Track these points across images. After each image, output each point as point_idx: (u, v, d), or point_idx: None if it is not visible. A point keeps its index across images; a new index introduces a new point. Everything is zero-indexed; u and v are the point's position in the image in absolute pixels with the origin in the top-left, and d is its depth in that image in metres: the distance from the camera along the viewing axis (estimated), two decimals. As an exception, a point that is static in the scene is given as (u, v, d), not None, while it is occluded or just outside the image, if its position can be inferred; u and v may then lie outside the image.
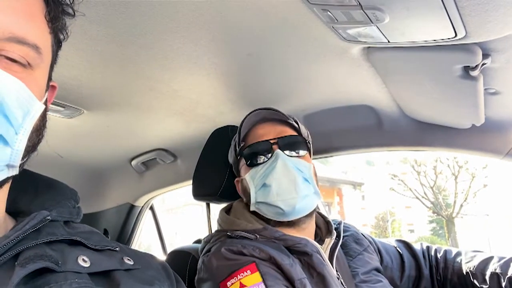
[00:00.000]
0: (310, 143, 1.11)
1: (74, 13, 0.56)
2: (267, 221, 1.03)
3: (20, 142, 0.46)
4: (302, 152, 1.04)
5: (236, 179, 1.13)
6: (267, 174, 0.99)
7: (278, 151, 1.00)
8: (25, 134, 0.46)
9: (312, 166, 1.05)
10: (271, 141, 1.03)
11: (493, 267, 1.06)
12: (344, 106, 1.32)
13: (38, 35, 0.48)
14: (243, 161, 1.07)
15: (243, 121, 1.08)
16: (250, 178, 1.03)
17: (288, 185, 0.97)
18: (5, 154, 0.44)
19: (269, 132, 1.05)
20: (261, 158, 1.02)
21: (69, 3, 0.55)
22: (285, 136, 1.04)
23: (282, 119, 1.08)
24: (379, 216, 24.23)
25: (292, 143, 1.04)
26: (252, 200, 1.01)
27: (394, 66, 0.97)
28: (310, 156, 1.10)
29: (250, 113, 1.07)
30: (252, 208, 1.03)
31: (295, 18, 0.79)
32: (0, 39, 0.44)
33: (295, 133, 1.07)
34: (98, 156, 1.75)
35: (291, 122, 1.07)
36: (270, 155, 1.01)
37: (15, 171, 0.48)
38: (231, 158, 1.15)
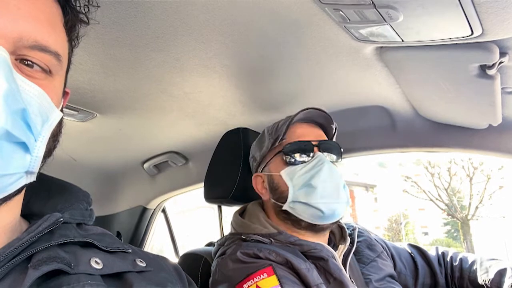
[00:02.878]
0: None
1: (89, 22, 0.58)
2: (284, 226, 1.02)
3: (39, 149, 0.47)
4: (338, 159, 1.05)
5: (256, 174, 1.10)
6: (312, 175, 0.97)
7: (322, 154, 1.00)
8: (43, 142, 0.48)
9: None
10: (313, 143, 1.03)
11: (509, 281, 1.04)
12: (357, 107, 1.31)
13: (58, 43, 0.50)
14: (279, 157, 1.04)
15: (291, 117, 1.06)
16: (287, 175, 1.00)
17: (333, 189, 0.97)
18: (25, 161, 0.46)
19: (308, 133, 1.05)
20: (303, 157, 1.01)
21: (84, 12, 0.57)
22: (326, 141, 1.05)
23: (322, 124, 1.09)
24: (392, 218, 23.93)
25: (331, 149, 1.04)
26: (289, 198, 0.99)
27: (408, 66, 0.96)
28: None
29: (303, 110, 1.05)
30: (285, 207, 1.00)
31: (307, 19, 0.79)
32: (24, 46, 0.46)
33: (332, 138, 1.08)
34: (111, 159, 1.77)
35: (333, 127, 1.08)
36: (311, 156, 1.01)
37: (33, 178, 0.49)
38: (257, 152, 1.11)
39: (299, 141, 1.02)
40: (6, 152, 0.42)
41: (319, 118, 1.07)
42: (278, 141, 1.04)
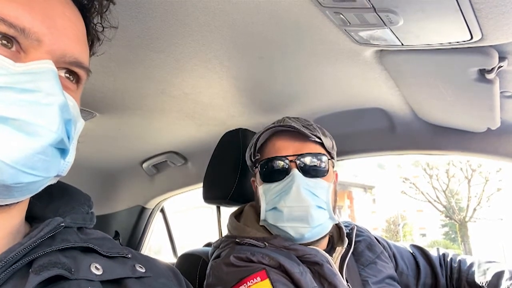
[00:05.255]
0: (335, 154, 1.06)
1: (101, 40, 0.63)
2: None
3: (71, 155, 0.51)
4: (322, 171, 0.98)
5: (253, 178, 1.10)
6: (280, 197, 0.95)
7: (295, 172, 0.94)
8: (74, 148, 0.53)
9: (331, 185, 0.99)
10: (289, 158, 0.96)
11: (506, 283, 1.03)
12: (356, 109, 1.31)
13: (88, 59, 0.56)
14: (258, 171, 1.04)
15: (261, 132, 1.02)
16: (263, 192, 1.00)
17: (300, 214, 0.93)
18: (61, 165, 0.50)
19: (288, 146, 0.99)
20: (277, 176, 0.97)
21: (99, 30, 0.62)
22: (305, 154, 0.97)
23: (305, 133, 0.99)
24: (390, 219, 23.94)
25: (312, 162, 0.97)
26: (262, 216, 1.00)
27: (408, 69, 0.96)
28: (333, 167, 1.05)
29: (270, 127, 1.00)
30: (261, 223, 1.01)
31: (307, 21, 0.79)
32: (65, 62, 0.50)
33: (317, 149, 0.99)
34: (110, 158, 1.77)
35: (314, 139, 0.99)
36: (286, 173, 0.96)
37: (56, 180, 0.53)
38: (248, 160, 1.11)
39: (273, 157, 0.98)
40: (52, 157, 0.46)
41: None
42: (254, 157, 1.03)
